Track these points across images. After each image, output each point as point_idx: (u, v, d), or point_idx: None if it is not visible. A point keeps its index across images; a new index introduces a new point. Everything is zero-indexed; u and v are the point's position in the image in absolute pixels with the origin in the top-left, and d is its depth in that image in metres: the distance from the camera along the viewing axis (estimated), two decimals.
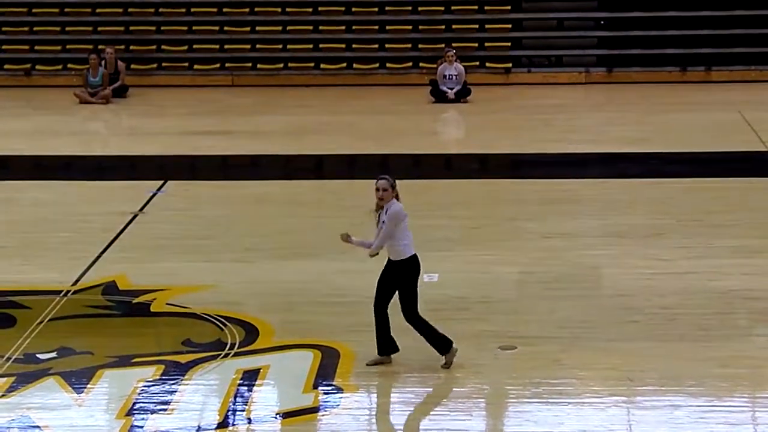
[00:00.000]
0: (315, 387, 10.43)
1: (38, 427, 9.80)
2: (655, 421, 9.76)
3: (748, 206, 15.92)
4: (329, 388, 10.40)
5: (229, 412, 10.03)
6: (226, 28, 26.30)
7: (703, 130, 20.82)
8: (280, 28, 26.20)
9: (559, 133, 20.78)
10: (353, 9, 26.30)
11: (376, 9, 26.29)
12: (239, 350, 11.23)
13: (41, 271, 13.70)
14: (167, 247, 14.47)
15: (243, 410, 10.07)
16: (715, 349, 11.14)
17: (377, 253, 10.58)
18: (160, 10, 26.55)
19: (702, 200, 16.23)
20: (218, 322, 11.88)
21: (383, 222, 10.43)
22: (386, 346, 10.68)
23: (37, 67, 26.04)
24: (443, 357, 10.59)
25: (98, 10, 26.58)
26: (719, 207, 15.88)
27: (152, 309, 12.38)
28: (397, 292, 10.56)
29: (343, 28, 26.17)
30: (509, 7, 26.30)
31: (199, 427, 9.81)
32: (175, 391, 10.38)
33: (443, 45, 24.75)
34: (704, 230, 14.78)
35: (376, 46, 25.94)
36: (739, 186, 17.05)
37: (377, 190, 10.47)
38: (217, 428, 9.79)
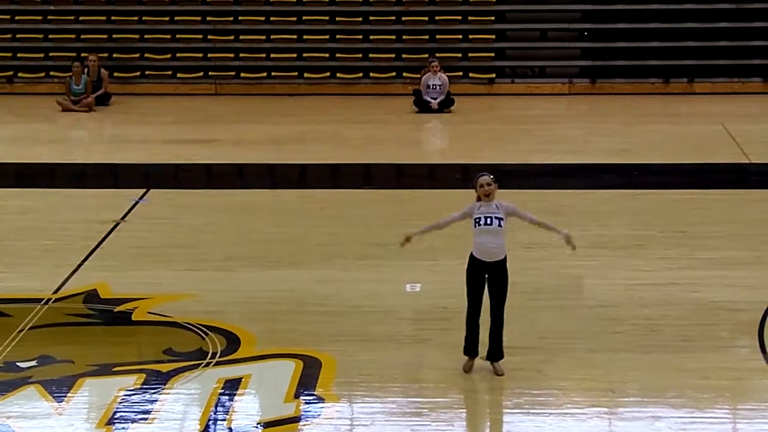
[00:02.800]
0: (296, 396, 10.41)
1: None
2: None
3: (730, 218, 15.95)
4: (311, 397, 10.38)
5: (210, 422, 10.00)
6: (209, 36, 26.28)
7: (685, 142, 20.88)
8: (263, 37, 26.20)
9: (543, 143, 20.81)
10: (337, 18, 26.32)
11: (360, 19, 26.31)
12: (221, 359, 11.20)
13: (22, 279, 13.65)
14: (149, 256, 14.44)
15: (224, 419, 10.05)
16: (697, 361, 11.15)
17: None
18: (144, 18, 26.52)
19: (684, 212, 16.26)
20: (200, 331, 11.85)
21: (503, 219, 10.68)
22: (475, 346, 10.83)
23: (20, 74, 25.98)
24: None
25: (81, 18, 26.53)
26: (701, 218, 15.92)
27: (133, 318, 12.35)
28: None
29: (327, 37, 26.18)
30: (493, 18, 26.35)
31: None
32: (156, 401, 10.35)
33: (427, 55, 24.78)
34: (686, 242, 14.81)
35: (360, 55, 25.96)
36: (721, 198, 17.09)
37: (482, 186, 10.79)
38: None
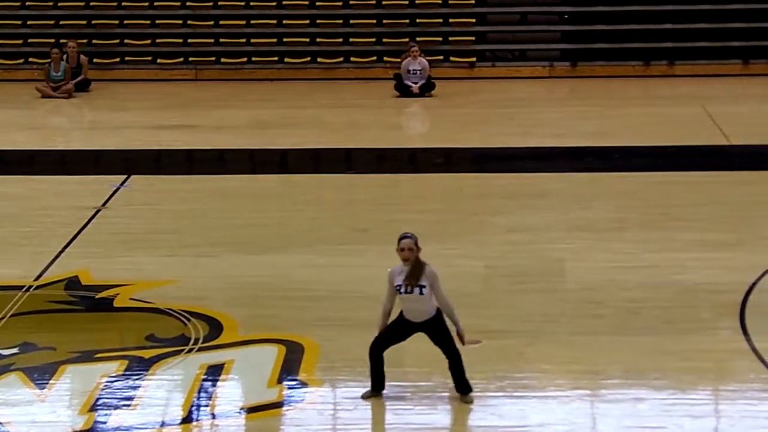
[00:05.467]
0: (279, 382, 10.41)
1: (0, 423, 9.73)
2: (619, 414, 9.79)
3: (711, 200, 15.99)
4: (294, 382, 10.38)
5: (193, 408, 9.99)
6: (189, 21, 26.19)
7: (666, 124, 20.90)
8: (243, 22, 26.12)
9: (524, 127, 20.82)
10: (317, 3, 26.25)
11: (340, 3, 26.24)
12: (203, 345, 11.19)
13: (3, 266, 13.60)
14: (130, 242, 14.40)
15: (207, 405, 10.04)
16: (679, 343, 11.18)
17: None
18: (123, 3, 26.40)
19: (665, 194, 16.29)
20: (182, 317, 11.83)
21: (425, 287, 9.81)
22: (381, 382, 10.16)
23: None
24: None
25: (60, 4, 26.40)
26: (683, 201, 15.95)
27: (115, 304, 12.32)
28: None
29: (307, 21, 26.12)
30: (473, 1, 26.32)
31: (162, 422, 9.77)
32: (139, 387, 10.34)
33: (407, 39, 24.75)
34: (667, 224, 14.84)
35: (341, 40, 25.91)
36: (701, 180, 17.12)
37: (402, 249, 9.88)
38: (181, 423, 9.76)
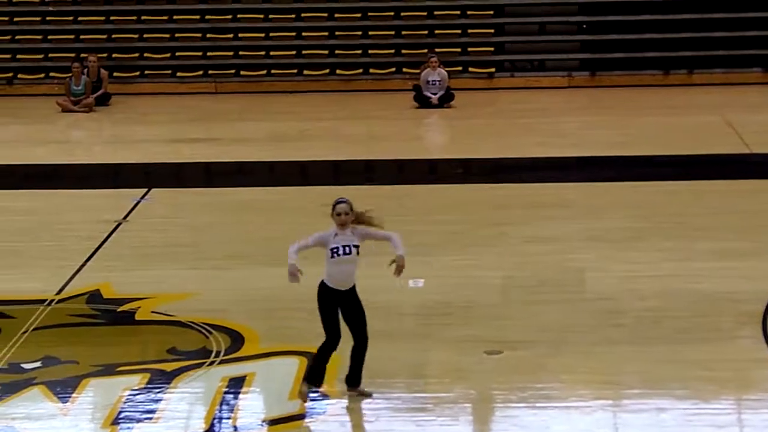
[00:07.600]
0: None
1: None
2: (641, 425, 9.79)
3: (730, 208, 15.97)
4: (315, 394, 10.40)
5: (215, 420, 10.02)
6: (208, 35, 26.28)
7: (685, 133, 20.88)
8: (263, 34, 26.20)
9: (543, 137, 20.82)
10: (336, 15, 26.32)
11: (359, 14, 26.30)
12: (225, 358, 11.22)
13: (25, 280, 13.66)
14: (152, 255, 14.45)
15: (229, 418, 10.07)
16: (700, 352, 11.17)
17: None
18: (143, 17, 26.52)
19: (684, 203, 16.27)
20: (203, 330, 11.87)
21: (358, 246, 10.04)
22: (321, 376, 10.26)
23: (19, 75, 25.98)
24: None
25: (80, 18, 26.54)
26: (701, 209, 15.93)
27: (137, 317, 12.36)
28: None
29: (326, 34, 26.18)
30: (492, 12, 26.35)
31: None
32: (161, 400, 10.37)
33: (426, 50, 24.79)
34: (687, 233, 14.82)
35: (360, 51, 25.96)
36: (720, 189, 17.10)
37: (338, 214, 10.09)
38: None
